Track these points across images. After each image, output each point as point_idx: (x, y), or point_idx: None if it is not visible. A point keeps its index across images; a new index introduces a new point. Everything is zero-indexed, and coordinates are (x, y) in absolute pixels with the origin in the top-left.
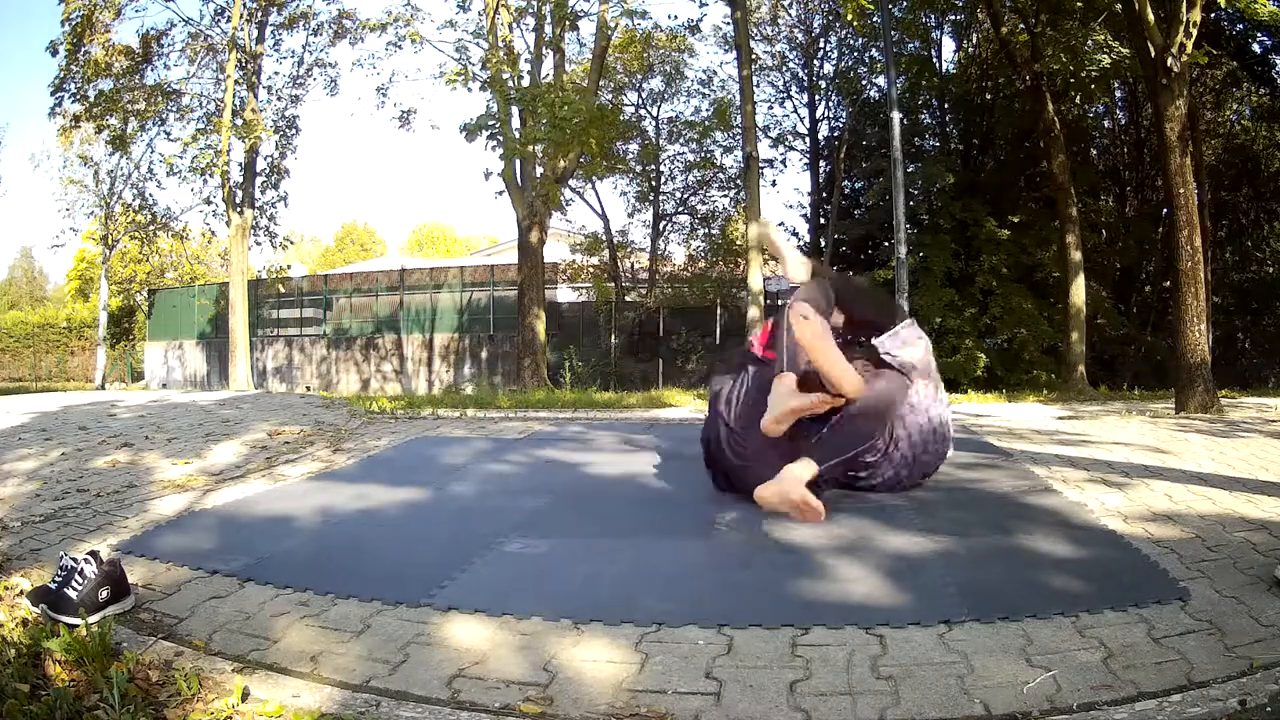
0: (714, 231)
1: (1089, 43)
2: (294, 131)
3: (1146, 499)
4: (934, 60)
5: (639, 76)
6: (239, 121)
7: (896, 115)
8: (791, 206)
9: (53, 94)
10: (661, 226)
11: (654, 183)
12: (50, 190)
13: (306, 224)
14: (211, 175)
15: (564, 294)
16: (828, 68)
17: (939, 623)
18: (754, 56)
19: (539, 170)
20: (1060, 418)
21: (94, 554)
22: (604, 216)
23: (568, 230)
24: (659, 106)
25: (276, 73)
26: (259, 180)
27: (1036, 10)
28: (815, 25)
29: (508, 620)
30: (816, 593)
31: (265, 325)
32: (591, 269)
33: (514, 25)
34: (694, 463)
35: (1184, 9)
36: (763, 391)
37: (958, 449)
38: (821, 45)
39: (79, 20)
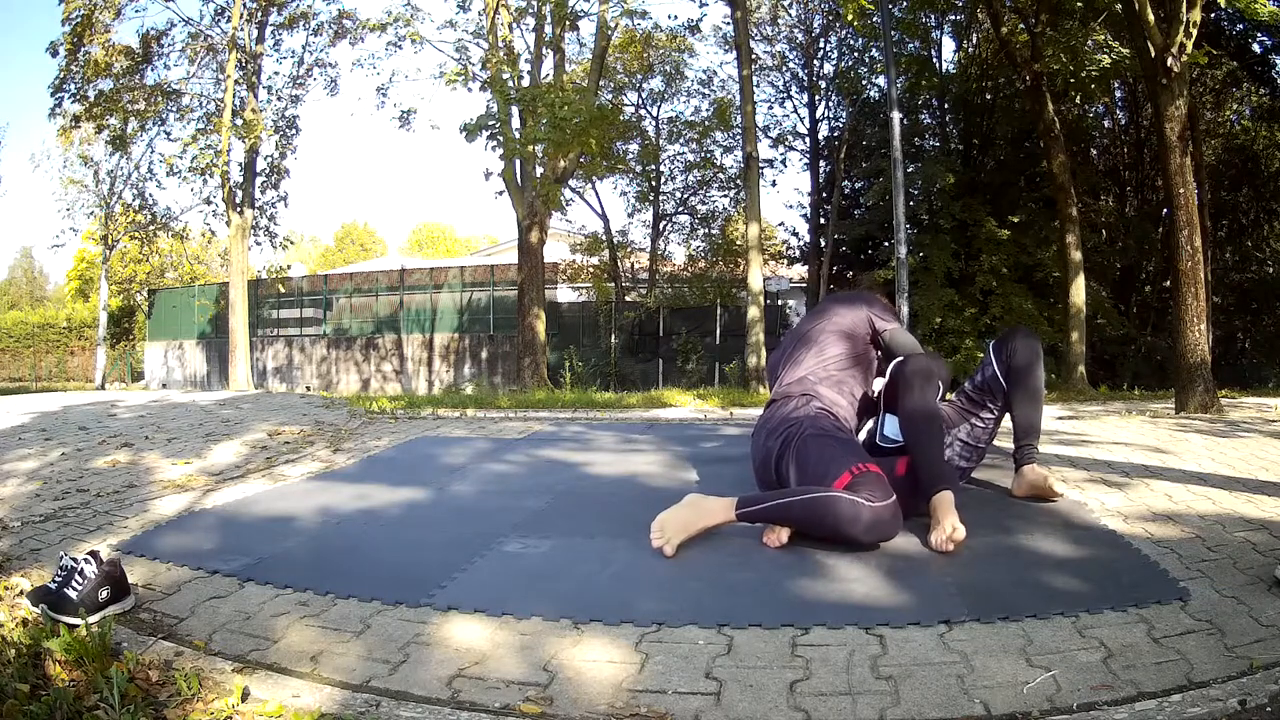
0: (714, 231)
1: (1089, 43)
2: (294, 131)
3: (1146, 499)
4: (934, 60)
5: (639, 76)
6: (239, 121)
7: (896, 115)
8: (791, 206)
9: (53, 94)
10: (661, 226)
11: (654, 183)
12: (50, 190)
13: (306, 224)
14: (211, 175)
15: (564, 294)
16: (828, 68)
17: (939, 623)
18: (754, 56)
19: (539, 170)
20: (1060, 417)
21: (94, 554)
22: (604, 216)
23: (568, 230)
24: (659, 106)
25: (276, 73)
26: (259, 180)
27: (1036, 10)
28: (815, 25)
29: (508, 620)
30: (816, 593)
31: (265, 325)
32: (591, 269)
33: (514, 25)
34: (694, 463)
35: (1184, 9)
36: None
37: None
38: (821, 45)
39: (79, 20)
